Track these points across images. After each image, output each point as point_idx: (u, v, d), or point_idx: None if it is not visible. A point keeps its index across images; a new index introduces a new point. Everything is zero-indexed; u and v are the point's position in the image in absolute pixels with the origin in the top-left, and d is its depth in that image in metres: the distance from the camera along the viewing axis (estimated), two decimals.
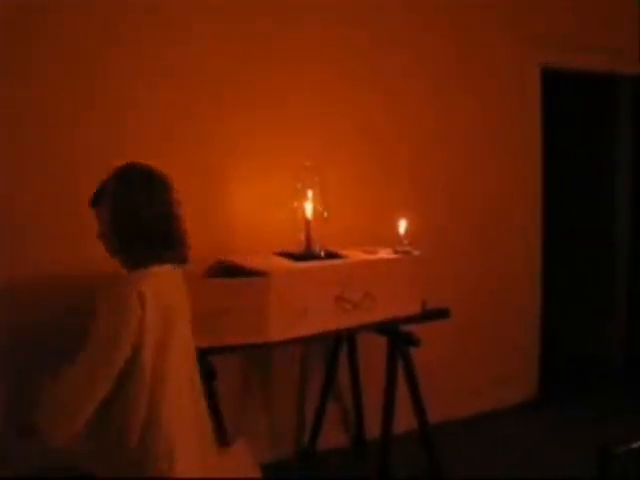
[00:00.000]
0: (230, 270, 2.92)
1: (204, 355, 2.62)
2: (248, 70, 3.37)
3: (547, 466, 3.48)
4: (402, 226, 3.19)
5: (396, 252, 3.15)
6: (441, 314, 3.25)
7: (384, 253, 3.15)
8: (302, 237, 3.01)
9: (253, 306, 2.67)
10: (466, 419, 4.03)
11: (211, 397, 2.81)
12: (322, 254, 2.99)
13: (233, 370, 3.35)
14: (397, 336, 3.06)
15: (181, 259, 2.08)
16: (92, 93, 3.03)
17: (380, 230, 3.38)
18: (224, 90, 3.32)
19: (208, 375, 2.62)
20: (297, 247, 3.02)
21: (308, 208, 3.01)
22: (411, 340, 3.02)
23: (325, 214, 3.06)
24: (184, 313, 2.08)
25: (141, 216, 1.98)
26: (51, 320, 2.93)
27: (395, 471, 3.15)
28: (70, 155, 3.01)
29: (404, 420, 3.32)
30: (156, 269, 1.97)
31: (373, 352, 3.41)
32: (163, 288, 1.96)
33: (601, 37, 4.46)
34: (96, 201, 2.05)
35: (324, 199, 3.07)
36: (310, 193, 3.04)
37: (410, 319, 3.10)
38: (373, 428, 3.37)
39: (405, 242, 3.17)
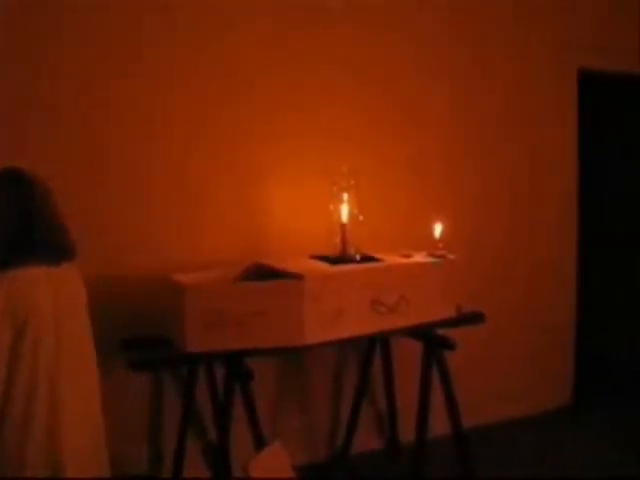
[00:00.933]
0: (266, 273, 2.93)
1: (240, 357, 2.66)
2: (282, 73, 3.39)
3: (582, 472, 3.44)
4: (437, 230, 3.19)
5: (431, 256, 3.14)
6: (476, 318, 3.24)
7: (419, 257, 3.15)
8: (337, 240, 3.01)
9: (288, 309, 2.68)
10: (500, 424, 4.00)
11: (247, 399, 2.85)
12: (357, 257, 2.99)
13: (268, 372, 3.36)
14: (432, 340, 3.06)
15: (50, 259, 2.02)
16: (121, 92, 3.06)
17: (414, 233, 3.37)
18: (260, 93, 3.35)
19: (245, 377, 2.65)
20: (333, 250, 3.03)
21: (344, 211, 3.02)
22: (446, 344, 3.02)
23: (360, 217, 3.06)
24: (65, 310, 2.04)
25: None
26: None
27: (429, 475, 3.14)
28: (98, 155, 3.05)
29: (438, 424, 3.32)
30: (14, 272, 1.93)
31: (407, 355, 3.41)
32: (24, 291, 1.93)
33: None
34: None
35: (360, 202, 3.07)
36: (346, 196, 3.05)
37: (445, 323, 3.10)
38: (407, 431, 3.37)
39: (440, 246, 3.17)
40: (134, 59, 3.09)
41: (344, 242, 3.00)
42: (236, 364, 2.66)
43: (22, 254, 1.96)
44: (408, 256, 3.15)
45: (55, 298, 2.00)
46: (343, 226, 3.01)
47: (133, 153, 3.11)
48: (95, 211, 3.03)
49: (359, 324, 2.87)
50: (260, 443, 2.86)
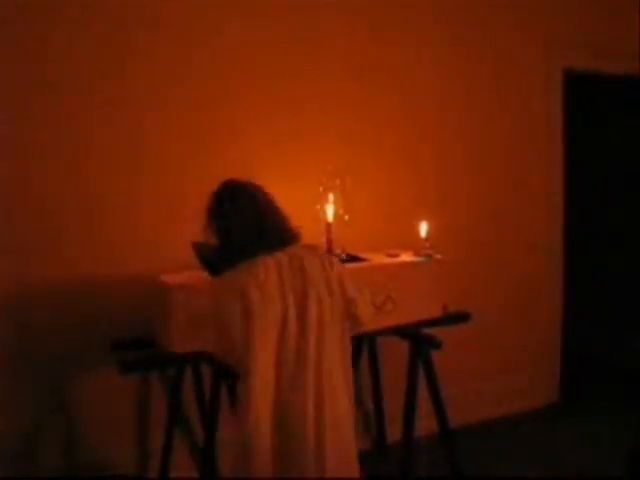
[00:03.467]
0: None
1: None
2: (271, 74, 3.40)
3: (568, 471, 3.46)
4: (423, 229, 3.20)
5: (417, 255, 3.15)
6: (461, 318, 3.25)
7: (405, 256, 3.16)
8: (323, 240, 3.02)
9: None
10: (487, 423, 4.02)
11: (234, 399, 2.84)
12: (343, 257, 3.00)
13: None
14: (418, 339, 3.07)
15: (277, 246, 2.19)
16: (112, 94, 3.07)
17: (401, 233, 3.38)
18: (246, 94, 3.35)
19: (231, 376, 2.64)
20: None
21: (329, 211, 3.03)
22: (432, 343, 3.03)
23: (346, 217, 3.07)
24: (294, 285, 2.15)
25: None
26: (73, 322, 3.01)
27: (416, 474, 3.15)
28: (89, 156, 3.06)
29: (425, 423, 3.32)
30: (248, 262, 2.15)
31: (394, 355, 3.42)
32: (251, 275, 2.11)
33: (626, 40, 4.43)
34: None
35: (345, 202, 3.08)
36: (331, 196, 3.06)
37: (431, 322, 3.11)
38: (394, 431, 3.38)
39: (427, 245, 3.17)
40: (127, 61, 3.10)
41: (330, 242, 3.01)
42: (222, 364, 2.66)
43: (254, 248, 2.16)
44: (394, 255, 3.15)
45: (285, 276, 2.13)
46: (329, 226, 3.01)
47: (124, 153, 3.11)
48: (83, 211, 3.04)
49: None
50: None
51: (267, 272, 2.10)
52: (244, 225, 2.20)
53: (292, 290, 2.12)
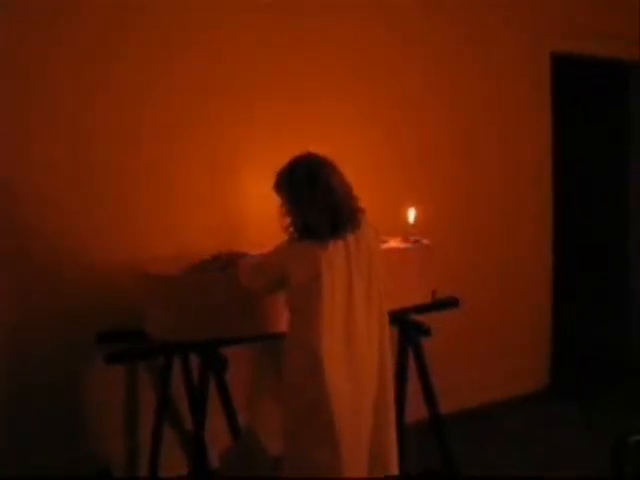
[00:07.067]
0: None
1: (214, 346, 2.64)
2: (263, 64, 3.40)
3: (558, 458, 3.48)
4: (411, 215, 3.18)
5: (406, 241, 3.13)
6: (450, 303, 3.25)
7: (394, 242, 3.14)
8: None
9: (263, 296, 2.67)
10: (477, 409, 4.04)
11: (222, 388, 2.83)
12: None
13: (244, 361, 3.35)
14: (407, 325, 3.06)
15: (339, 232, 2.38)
16: (107, 81, 3.07)
17: (389, 219, 3.36)
18: (235, 83, 3.34)
19: (219, 365, 2.64)
20: None
21: None
22: (421, 329, 3.02)
23: None
24: (357, 267, 2.41)
25: None
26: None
27: (407, 460, 3.15)
28: (82, 151, 3.06)
29: (415, 410, 3.32)
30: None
31: None
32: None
33: (613, 24, 4.43)
34: None
35: None
36: None
37: (420, 308, 3.10)
38: None
39: (415, 231, 3.16)
40: (119, 59, 3.09)
41: None
42: (210, 353, 2.64)
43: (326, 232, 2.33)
44: (383, 242, 3.13)
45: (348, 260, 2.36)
46: None
47: (116, 146, 3.11)
48: (71, 204, 3.02)
49: None
50: (236, 432, 2.85)
51: (336, 249, 2.32)
52: (319, 209, 2.31)
53: (357, 263, 2.37)
